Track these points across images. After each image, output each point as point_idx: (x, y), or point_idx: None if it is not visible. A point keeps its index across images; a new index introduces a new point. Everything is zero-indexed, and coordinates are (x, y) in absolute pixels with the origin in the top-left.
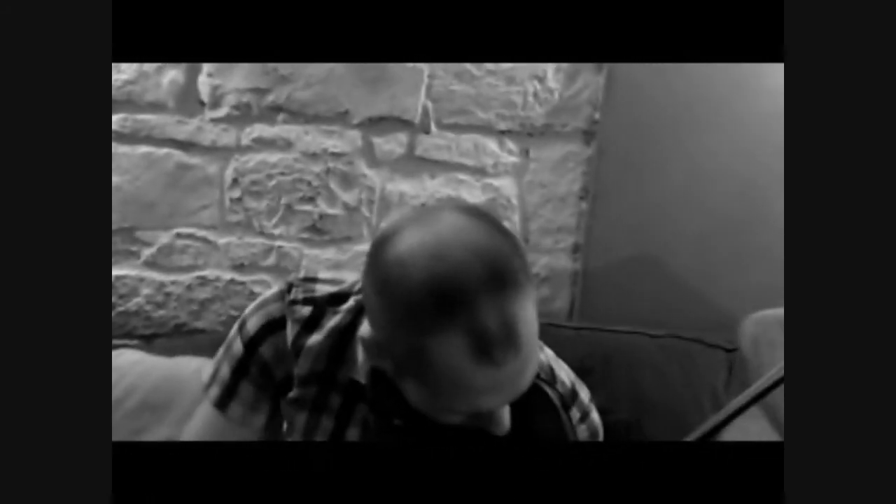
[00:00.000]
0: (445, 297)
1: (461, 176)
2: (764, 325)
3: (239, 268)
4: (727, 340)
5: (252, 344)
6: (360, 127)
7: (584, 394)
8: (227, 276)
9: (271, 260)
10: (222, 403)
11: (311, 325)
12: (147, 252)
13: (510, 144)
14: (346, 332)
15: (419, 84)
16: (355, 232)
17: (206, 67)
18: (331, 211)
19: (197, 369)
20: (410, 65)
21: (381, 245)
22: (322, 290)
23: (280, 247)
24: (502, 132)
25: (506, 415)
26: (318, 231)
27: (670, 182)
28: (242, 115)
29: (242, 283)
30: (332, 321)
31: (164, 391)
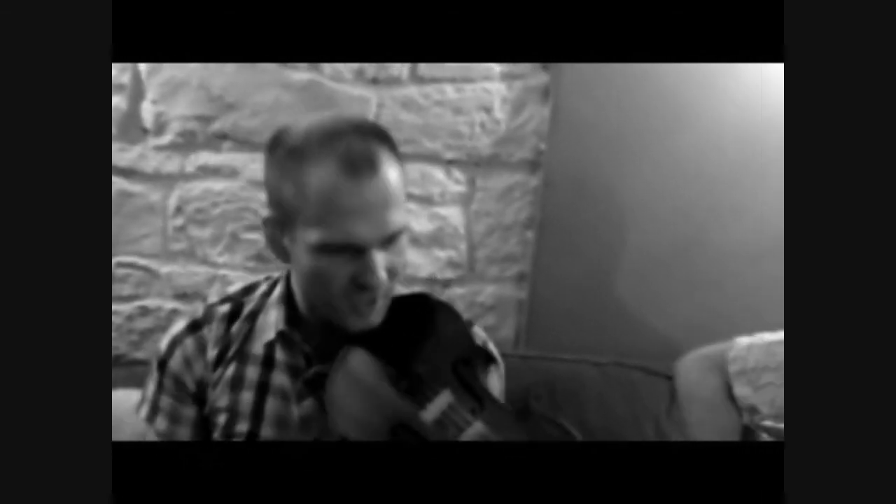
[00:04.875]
0: (322, 134)
1: (408, 205)
2: (700, 369)
3: (182, 297)
4: (670, 368)
5: (162, 362)
6: None
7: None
8: (170, 305)
9: (216, 288)
10: (150, 417)
11: (232, 317)
12: None
13: (457, 174)
14: (258, 313)
15: (367, 113)
16: None
17: (150, 94)
18: None
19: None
20: (357, 93)
21: (276, 131)
22: (235, 288)
23: (224, 275)
24: (449, 161)
25: (379, 268)
26: (263, 260)
27: (614, 211)
28: (187, 143)
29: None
30: (248, 308)
31: None
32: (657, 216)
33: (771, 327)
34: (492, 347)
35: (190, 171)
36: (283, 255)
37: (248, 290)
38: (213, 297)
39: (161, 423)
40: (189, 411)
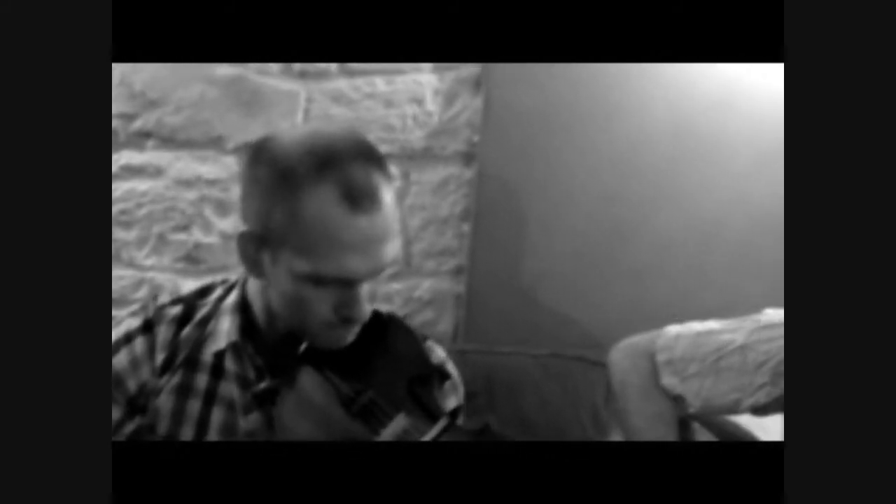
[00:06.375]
0: (320, 155)
1: None
2: (632, 357)
3: None
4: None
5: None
6: (235, 152)
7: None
8: None
9: (142, 292)
10: None
11: (183, 321)
12: None
13: (391, 168)
14: (210, 318)
15: (296, 107)
16: (233, 260)
17: None
18: (206, 240)
19: None
20: (286, 87)
21: (259, 142)
22: (188, 288)
23: (152, 278)
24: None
25: (365, 301)
26: (193, 261)
27: (550, 201)
28: None
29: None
30: (200, 313)
31: None
32: (592, 206)
33: (706, 314)
34: (450, 366)
35: (113, 170)
36: (257, 270)
37: (203, 293)
38: (164, 297)
39: None
40: (114, 413)
